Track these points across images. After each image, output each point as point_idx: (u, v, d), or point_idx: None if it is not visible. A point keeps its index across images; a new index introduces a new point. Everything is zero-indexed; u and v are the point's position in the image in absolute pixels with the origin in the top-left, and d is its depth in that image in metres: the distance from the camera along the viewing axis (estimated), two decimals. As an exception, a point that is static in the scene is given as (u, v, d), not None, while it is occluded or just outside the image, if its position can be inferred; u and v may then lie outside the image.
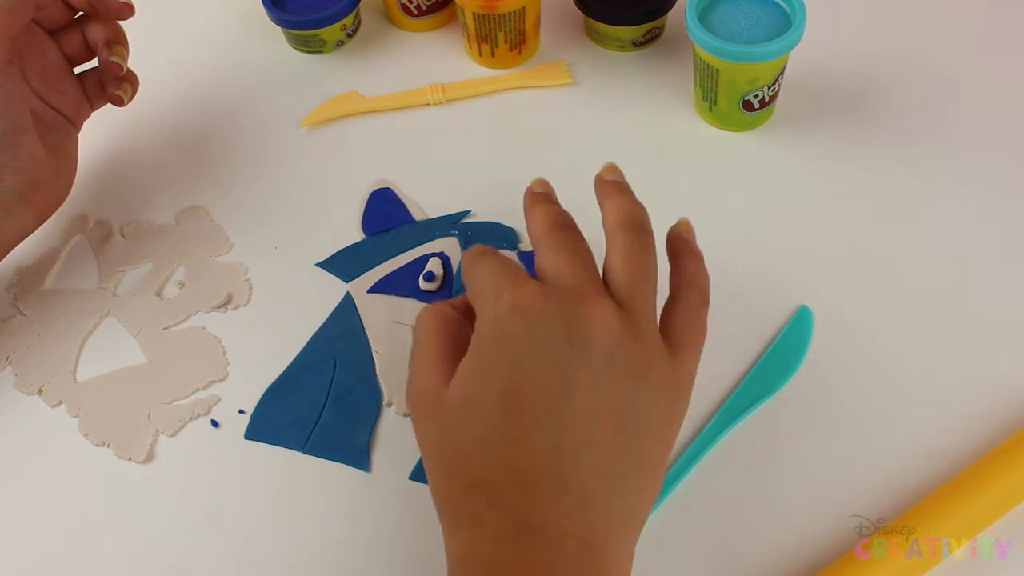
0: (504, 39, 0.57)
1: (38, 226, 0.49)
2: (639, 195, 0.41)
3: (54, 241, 0.53)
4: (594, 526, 0.33)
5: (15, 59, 0.48)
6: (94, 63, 0.52)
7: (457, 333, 0.37)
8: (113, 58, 0.50)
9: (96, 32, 0.50)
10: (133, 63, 0.52)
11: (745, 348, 0.45)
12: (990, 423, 0.42)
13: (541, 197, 0.40)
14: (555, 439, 0.33)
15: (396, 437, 0.44)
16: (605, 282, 0.36)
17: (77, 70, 0.52)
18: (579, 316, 0.34)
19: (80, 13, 0.50)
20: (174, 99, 0.60)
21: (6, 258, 0.48)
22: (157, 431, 0.45)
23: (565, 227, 0.38)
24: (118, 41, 0.50)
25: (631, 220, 0.37)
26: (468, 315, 0.37)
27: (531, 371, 0.33)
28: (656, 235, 0.38)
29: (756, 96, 0.51)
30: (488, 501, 0.33)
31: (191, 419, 0.45)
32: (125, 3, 0.49)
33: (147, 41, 0.55)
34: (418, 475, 0.43)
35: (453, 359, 0.35)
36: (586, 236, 0.38)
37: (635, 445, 0.34)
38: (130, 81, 0.52)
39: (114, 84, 0.51)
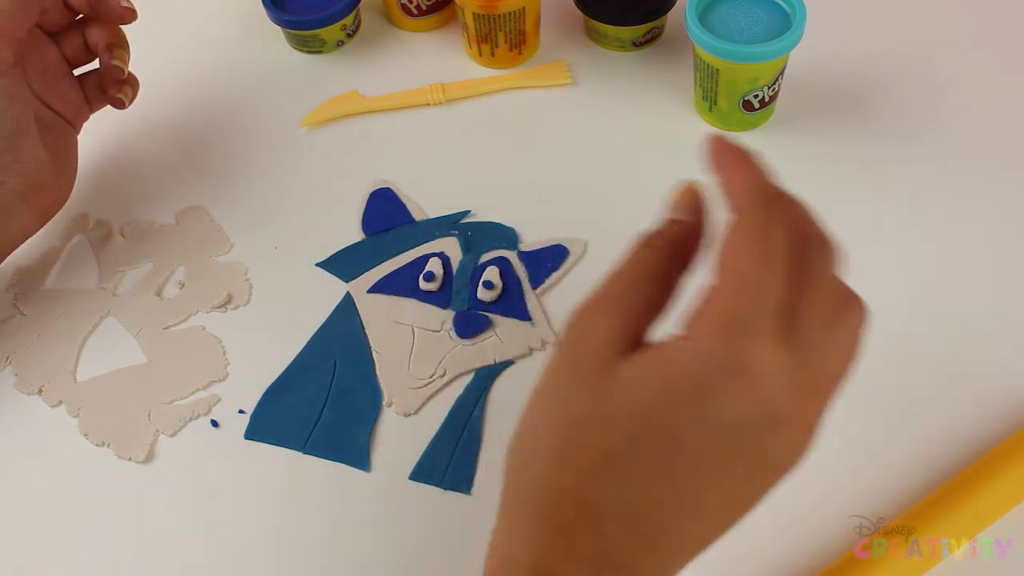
0: (504, 39, 0.57)
1: (39, 228, 0.49)
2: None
3: (54, 241, 0.53)
4: None
5: (19, 61, 0.48)
6: (93, 65, 0.52)
7: (657, 293, 0.30)
8: (114, 62, 0.49)
9: (97, 35, 0.50)
10: (133, 63, 0.52)
11: (745, 348, 0.45)
12: (990, 423, 0.42)
13: (742, 156, 0.32)
14: (679, 496, 0.28)
15: (396, 437, 0.44)
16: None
17: (76, 72, 0.52)
18: (780, 418, 0.29)
19: (80, 15, 0.50)
20: (174, 99, 0.60)
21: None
22: (157, 431, 0.45)
23: (782, 207, 0.31)
24: (119, 44, 0.50)
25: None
26: (682, 254, 0.31)
27: (703, 433, 0.28)
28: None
29: (756, 96, 0.51)
30: (584, 521, 0.28)
31: (191, 419, 0.45)
32: (127, 8, 0.48)
33: (147, 41, 0.55)
34: (418, 475, 0.43)
35: (641, 324, 0.30)
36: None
37: (733, 522, 0.30)
38: (131, 84, 0.52)
39: (115, 87, 0.51)
